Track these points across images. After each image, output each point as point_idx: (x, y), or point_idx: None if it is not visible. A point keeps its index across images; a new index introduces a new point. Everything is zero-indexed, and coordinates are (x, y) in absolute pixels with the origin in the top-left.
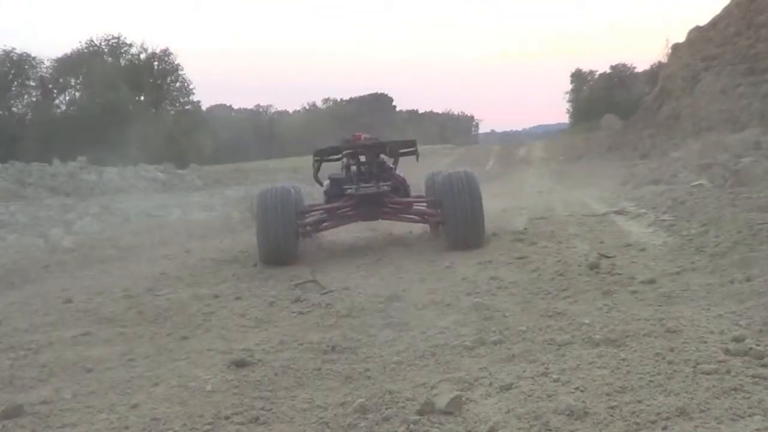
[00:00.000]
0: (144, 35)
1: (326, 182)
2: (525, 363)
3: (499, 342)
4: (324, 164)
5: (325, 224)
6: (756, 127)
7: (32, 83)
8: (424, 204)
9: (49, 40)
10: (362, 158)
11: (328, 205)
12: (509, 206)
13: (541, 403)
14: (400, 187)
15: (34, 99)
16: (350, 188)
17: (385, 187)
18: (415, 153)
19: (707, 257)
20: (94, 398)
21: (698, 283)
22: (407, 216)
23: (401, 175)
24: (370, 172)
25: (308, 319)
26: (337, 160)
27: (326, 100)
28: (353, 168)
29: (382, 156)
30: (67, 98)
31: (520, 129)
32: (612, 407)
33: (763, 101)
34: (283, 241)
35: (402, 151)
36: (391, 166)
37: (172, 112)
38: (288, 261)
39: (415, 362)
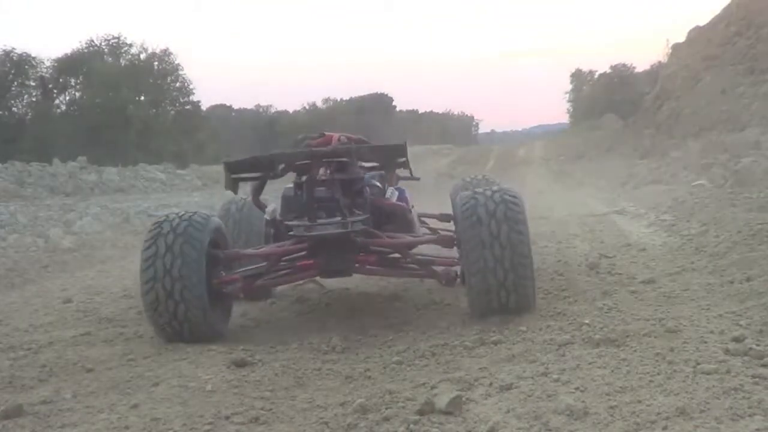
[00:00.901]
0: (144, 35)
1: (271, 207)
2: (525, 363)
3: (499, 342)
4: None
5: (261, 281)
6: (756, 127)
7: (32, 83)
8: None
9: (49, 40)
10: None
11: (266, 250)
12: None
13: (541, 403)
14: (398, 215)
15: (34, 99)
16: (298, 225)
17: (359, 223)
18: (405, 164)
19: (707, 257)
20: (94, 398)
21: (698, 283)
22: (400, 268)
23: (401, 193)
24: (333, 198)
25: (308, 319)
26: (272, 177)
27: (326, 100)
28: (320, 189)
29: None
30: (67, 98)
31: (520, 129)
32: (612, 407)
33: (763, 101)
34: (184, 313)
35: (397, 160)
36: (377, 185)
37: (172, 112)
38: (203, 339)
39: (415, 362)
